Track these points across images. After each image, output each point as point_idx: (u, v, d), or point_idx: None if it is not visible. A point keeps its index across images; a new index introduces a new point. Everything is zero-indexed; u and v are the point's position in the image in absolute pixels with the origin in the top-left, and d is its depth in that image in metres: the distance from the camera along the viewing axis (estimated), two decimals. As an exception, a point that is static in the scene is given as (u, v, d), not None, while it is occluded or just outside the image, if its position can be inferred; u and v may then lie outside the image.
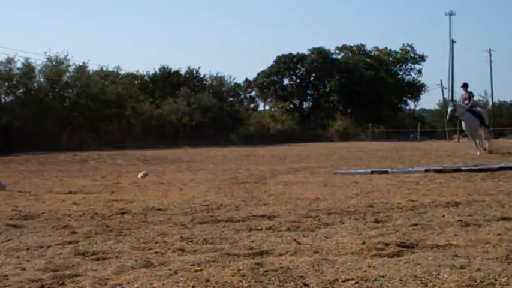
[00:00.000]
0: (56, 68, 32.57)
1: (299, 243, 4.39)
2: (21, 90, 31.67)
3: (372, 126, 48.78)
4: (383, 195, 7.55)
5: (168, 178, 11.38)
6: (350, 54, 62.66)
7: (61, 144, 28.65)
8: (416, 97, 65.30)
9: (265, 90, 59.17)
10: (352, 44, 63.79)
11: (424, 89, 64.32)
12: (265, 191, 8.58)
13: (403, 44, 64.36)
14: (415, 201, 6.85)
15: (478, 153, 16.61)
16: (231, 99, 47.37)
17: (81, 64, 34.42)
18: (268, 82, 58.84)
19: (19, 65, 31.94)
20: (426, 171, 11.21)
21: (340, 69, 57.41)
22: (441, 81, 63.62)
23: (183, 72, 47.71)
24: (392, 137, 48.10)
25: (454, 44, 64.79)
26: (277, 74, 59.49)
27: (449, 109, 17.84)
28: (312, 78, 60.07)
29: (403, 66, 64.17)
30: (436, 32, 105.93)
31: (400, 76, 64.24)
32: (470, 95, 17.95)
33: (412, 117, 63.29)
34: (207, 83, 47.25)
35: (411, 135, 49.51)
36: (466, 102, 17.61)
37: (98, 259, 4.02)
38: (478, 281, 3.15)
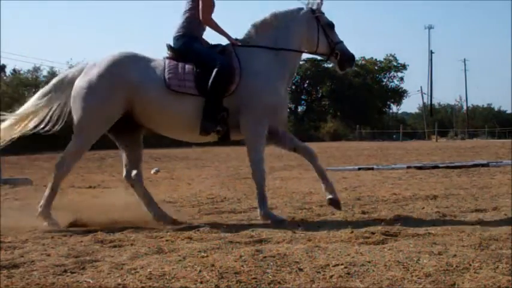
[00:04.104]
0: (77, 75, 32.60)
1: (294, 232, 4.39)
2: (46, 96, 31.69)
3: (360, 128, 48.68)
4: (369, 190, 7.55)
5: (177, 174, 11.37)
6: (340, 63, 62.58)
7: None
8: (398, 101, 65.17)
9: (264, 96, 59.17)
10: (341, 55, 63.68)
11: (405, 94, 64.24)
12: (264, 185, 8.56)
13: (387, 54, 64.26)
14: (397, 194, 6.84)
15: None
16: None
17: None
18: (266, 88, 58.86)
19: (44, 73, 31.96)
20: (408, 168, 11.21)
21: (331, 76, 57.29)
22: (421, 87, 63.93)
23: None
24: (377, 137, 47.99)
25: (433, 54, 65.00)
26: (275, 81, 59.50)
27: None
28: (305, 85, 60.01)
29: (387, 74, 64.05)
30: (416, 43, 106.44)
31: (384, 83, 64.14)
32: None
33: (395, 120, 63.23)
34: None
35: (394, 136, 49.46)
36: None
37: (115, 246, 4.01)
38: (454, 265, 3.15)
